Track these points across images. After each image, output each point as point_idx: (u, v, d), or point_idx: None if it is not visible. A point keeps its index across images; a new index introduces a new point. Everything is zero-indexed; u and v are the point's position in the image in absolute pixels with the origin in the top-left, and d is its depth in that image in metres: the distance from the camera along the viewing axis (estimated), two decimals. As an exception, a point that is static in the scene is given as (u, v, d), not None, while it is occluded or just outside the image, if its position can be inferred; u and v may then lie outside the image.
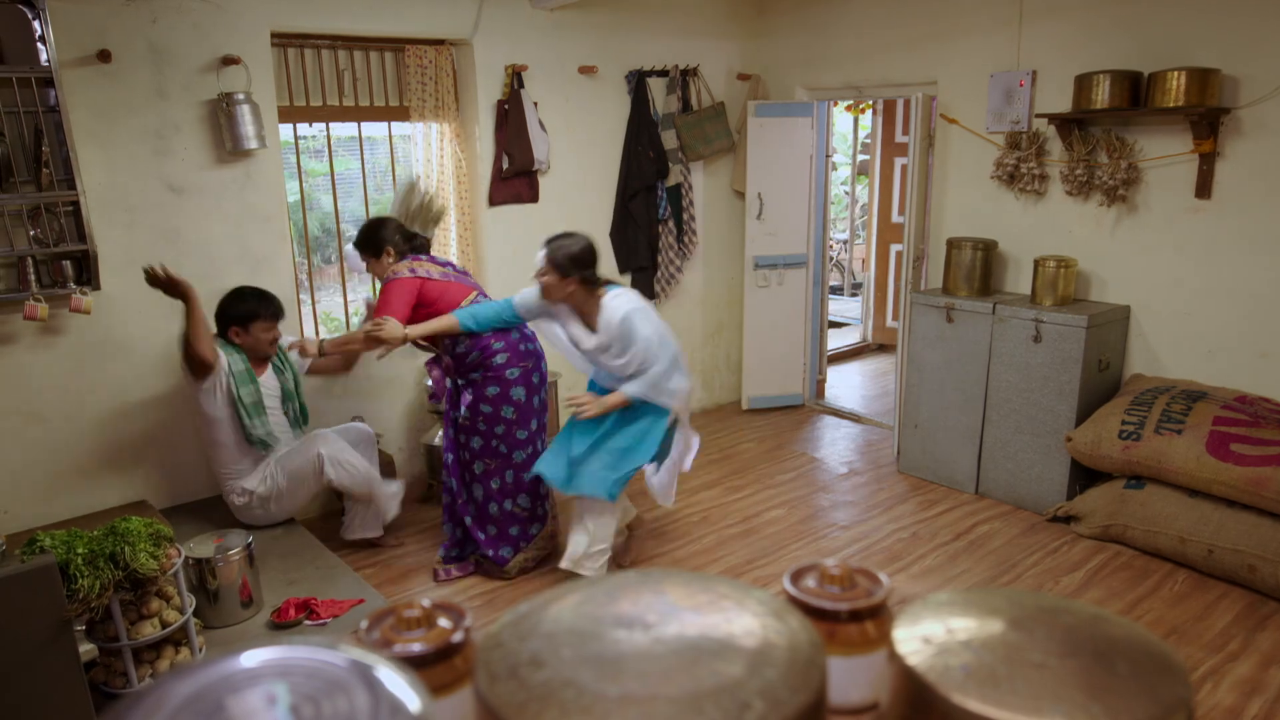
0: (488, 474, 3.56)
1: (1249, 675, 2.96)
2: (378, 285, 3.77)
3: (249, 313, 3.53)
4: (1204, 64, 3.71)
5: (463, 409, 3.51)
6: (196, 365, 3.40)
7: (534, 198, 4.88)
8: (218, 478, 3.61)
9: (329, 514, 4.23)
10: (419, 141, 4.55)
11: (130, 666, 2.54)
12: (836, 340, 7.46)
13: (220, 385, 3.46)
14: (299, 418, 3.77)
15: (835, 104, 6.01)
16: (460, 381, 3.56)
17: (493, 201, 4.70)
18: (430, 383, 4.37)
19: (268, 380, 3.66)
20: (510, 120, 4.64)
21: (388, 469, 4.18)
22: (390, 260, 3.65)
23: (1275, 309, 3.74)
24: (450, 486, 3.64)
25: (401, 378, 4.56)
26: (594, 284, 3.32)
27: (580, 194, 5.08)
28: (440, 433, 4.38)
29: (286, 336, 3.79)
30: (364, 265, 3.72)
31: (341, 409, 4.33)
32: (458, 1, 4.42)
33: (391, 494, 3.82)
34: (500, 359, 3.49)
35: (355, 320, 4.61)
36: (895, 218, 7.23)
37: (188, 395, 3.67)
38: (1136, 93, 3.89)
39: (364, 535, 3.81)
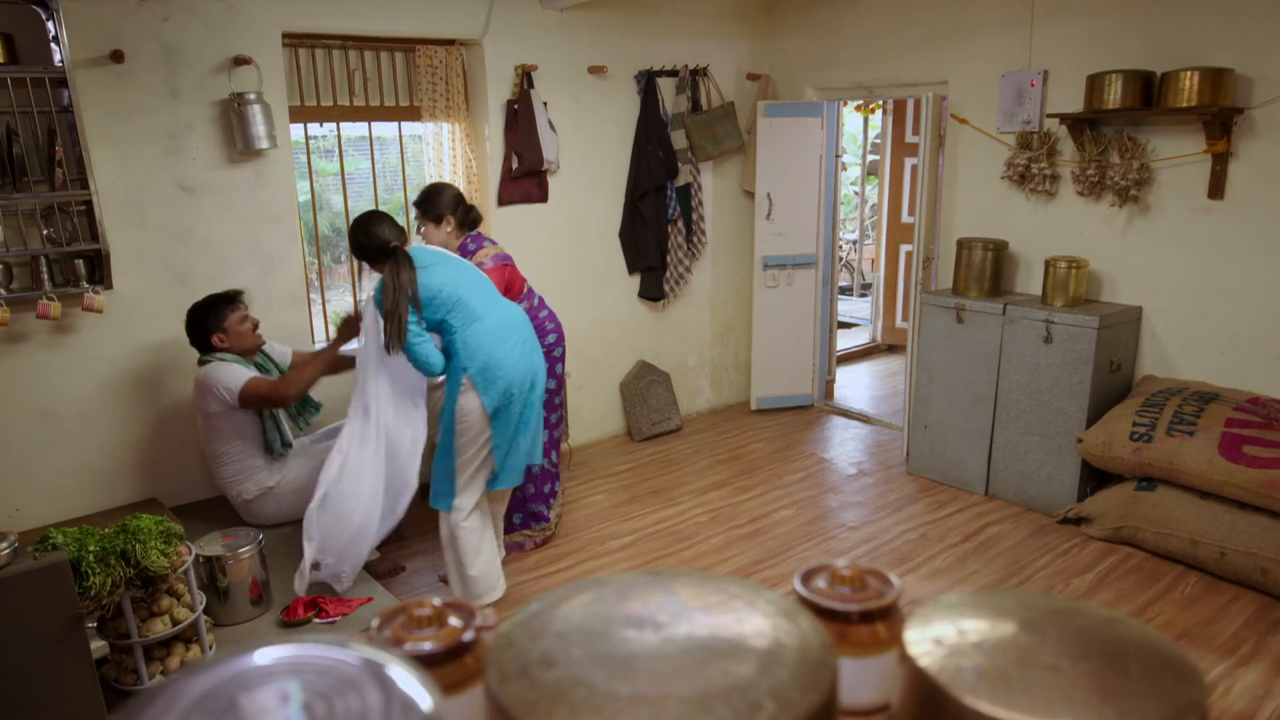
0: None
1: (1261, 679, 2.94)
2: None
3: (219, 312, 3.46)
4: (1217, 64, 3.69)
5: None
6: (277, 401, 3.42)
7: (543, 198, 4.89)
8: (223, 484, 3.57)
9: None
10: (429, 141, 4.56)
11: (141, 664, 2.55)
12: (846, 340, 7.44)
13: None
14: (298, 410, 3.75)
15: (845, 104, 6.00)
16: None
17: (502, 201, 4.71)
18: None
19: None
20: (520, 120, 4.65)
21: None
22: (449, 230, 3.68)
23: (1289, 310, 3.72)
24: None
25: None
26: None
27: (589, 194, 5.09)
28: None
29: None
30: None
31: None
32: (468, 2, 4.43)
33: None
34: (551, 339, 3.85)
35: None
36: (905, 218, 7.21)
37: (200, 407, 3.64)
38: (1149, 93, 3.87)
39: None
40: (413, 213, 3.76)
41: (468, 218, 3.71)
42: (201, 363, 3.46)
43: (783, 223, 5.53)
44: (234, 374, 3.38)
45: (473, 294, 3.17)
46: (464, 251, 3.72)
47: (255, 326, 3.56)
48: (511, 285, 3.76)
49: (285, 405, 3.48)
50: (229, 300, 3.51)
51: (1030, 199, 4.48)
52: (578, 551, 3.98)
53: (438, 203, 3.64)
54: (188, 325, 3.50)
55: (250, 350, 3.54)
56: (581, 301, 5.16)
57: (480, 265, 3.64)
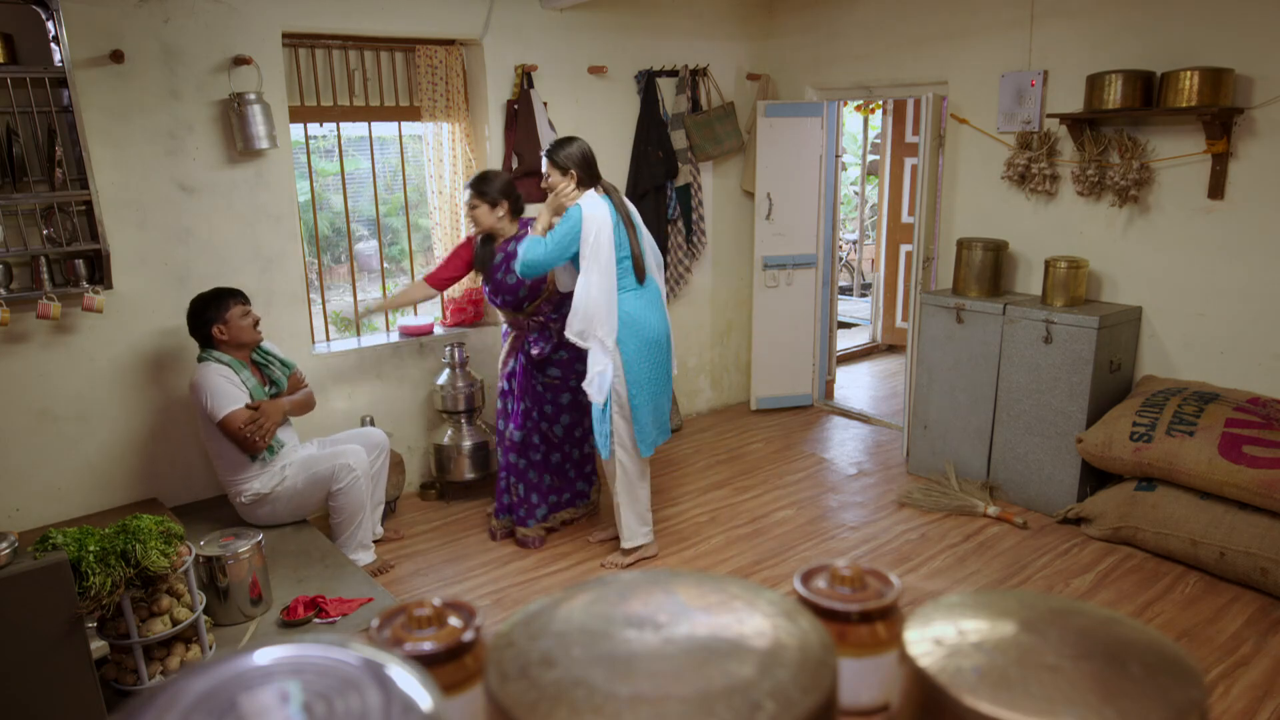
0: (573, 424, 4.03)
1: (1261, 679, 2.94)
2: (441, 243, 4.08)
3: (222, 304, 3.45)
4: (1217, 64, 3.69)
5: (555, 370, 3.93)
6: (246, 449, 3.47)
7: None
8: (222, 482, 3.59)
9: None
10: (429, 141, 4.56)
11: (141, 664, 2.55)
12: (846, 340, 7.44)
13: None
14: None
15: (845, 104, 6.00)
16: (550, 345, 3.90)
17: (502, 201, 4.70)
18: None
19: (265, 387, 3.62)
20: (520, 120, 4.64)
21: (397, 468, 4.18)
22: (501, 214, 3.86)
23: (1289, 310, 3.72)
24: (516, 445, 3.92)
25: (411, 377, 4.57)
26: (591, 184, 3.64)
27: (589, 194, 5.08)
28: (449, 431, 4.39)
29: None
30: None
31: (351, 409, 4.35)
32: (468, 2, 4.43)
33: (367, 525, 3.76)
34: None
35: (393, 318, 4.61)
36: (905, 218, 7.21)
37: (190, 406, 3.64)
38: (1149, 93, 3.87)
39: (354, 557, 3.65)
40: (463, 195, 3.94)
41: (518, 204, 3.94)
42: (200, 359, 3.46)
43: (783, 223, 5.53)
44: (225, 395, 3.38)
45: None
46: (520, 234, 3.91)
47: (256, 323, 3.54)
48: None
49: (252, 454, 3.49)
50: (234, 294, 3.51)
51: (1030, 199, 4.48)
52: (578, 552, 3.98)
53: (494, 186, 3.83)
54: (189, 314, 3.48)
55: (247, 345, 3.53)
56: (581, 301, 5.15)
57: None
